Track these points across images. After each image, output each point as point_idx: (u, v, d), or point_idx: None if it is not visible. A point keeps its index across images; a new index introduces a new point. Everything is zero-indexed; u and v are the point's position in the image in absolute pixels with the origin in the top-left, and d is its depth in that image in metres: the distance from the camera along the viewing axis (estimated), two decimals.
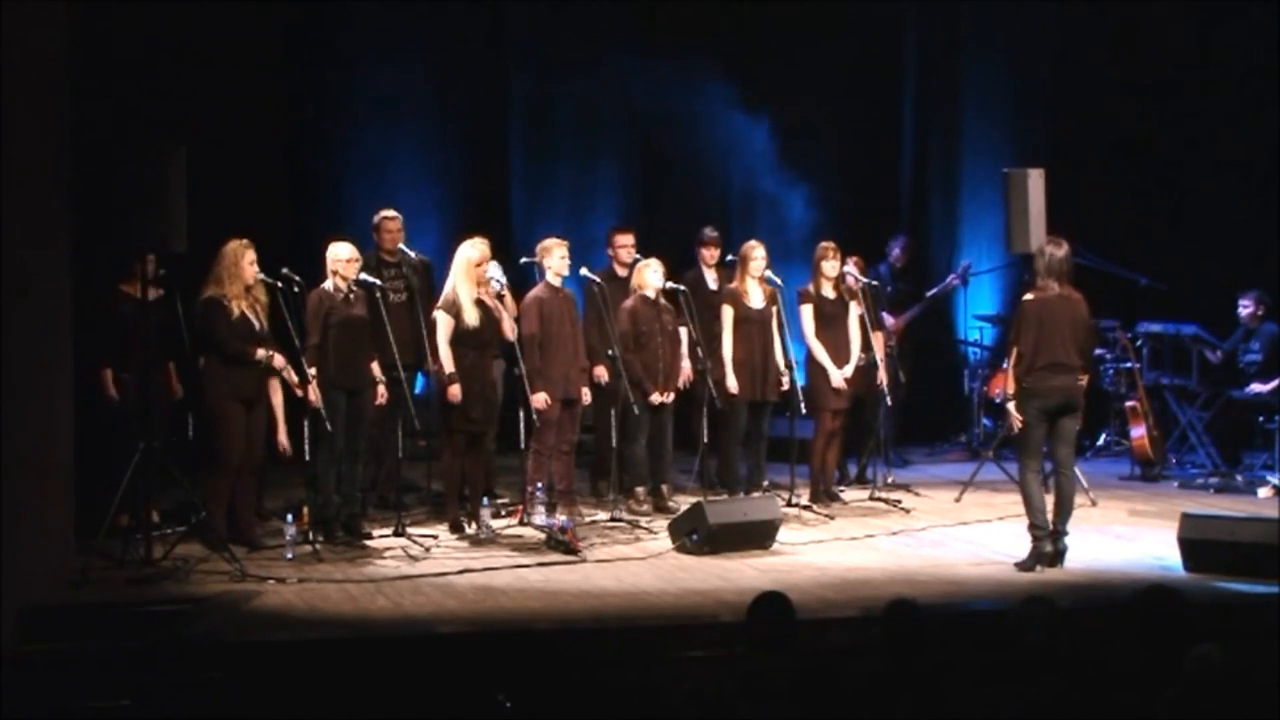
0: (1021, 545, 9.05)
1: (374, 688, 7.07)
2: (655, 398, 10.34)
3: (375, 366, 9.59)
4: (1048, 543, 8.91)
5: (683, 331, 10.67)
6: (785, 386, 10.61)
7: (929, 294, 12.90)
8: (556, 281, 10.12)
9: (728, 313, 10.63)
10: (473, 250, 9.77)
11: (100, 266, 9.36)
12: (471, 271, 9.70)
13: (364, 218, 10.66)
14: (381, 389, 9.60)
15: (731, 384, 10.52)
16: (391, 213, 10.39)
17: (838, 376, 10.63)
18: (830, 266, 10.73)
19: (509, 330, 9.84)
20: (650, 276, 10.40)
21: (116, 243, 9.09)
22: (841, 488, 11.21)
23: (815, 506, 10.60)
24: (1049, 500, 9.02)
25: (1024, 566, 8.89)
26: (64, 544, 8.46)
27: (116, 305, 9.35)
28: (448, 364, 9.61)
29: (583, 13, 13.30)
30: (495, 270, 9.98)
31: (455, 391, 9.58)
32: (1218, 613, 7.69)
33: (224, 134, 11.16)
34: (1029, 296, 9.04)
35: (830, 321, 10.75)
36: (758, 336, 10.62)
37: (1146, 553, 9.36)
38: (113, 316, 9.33)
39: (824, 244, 10.90)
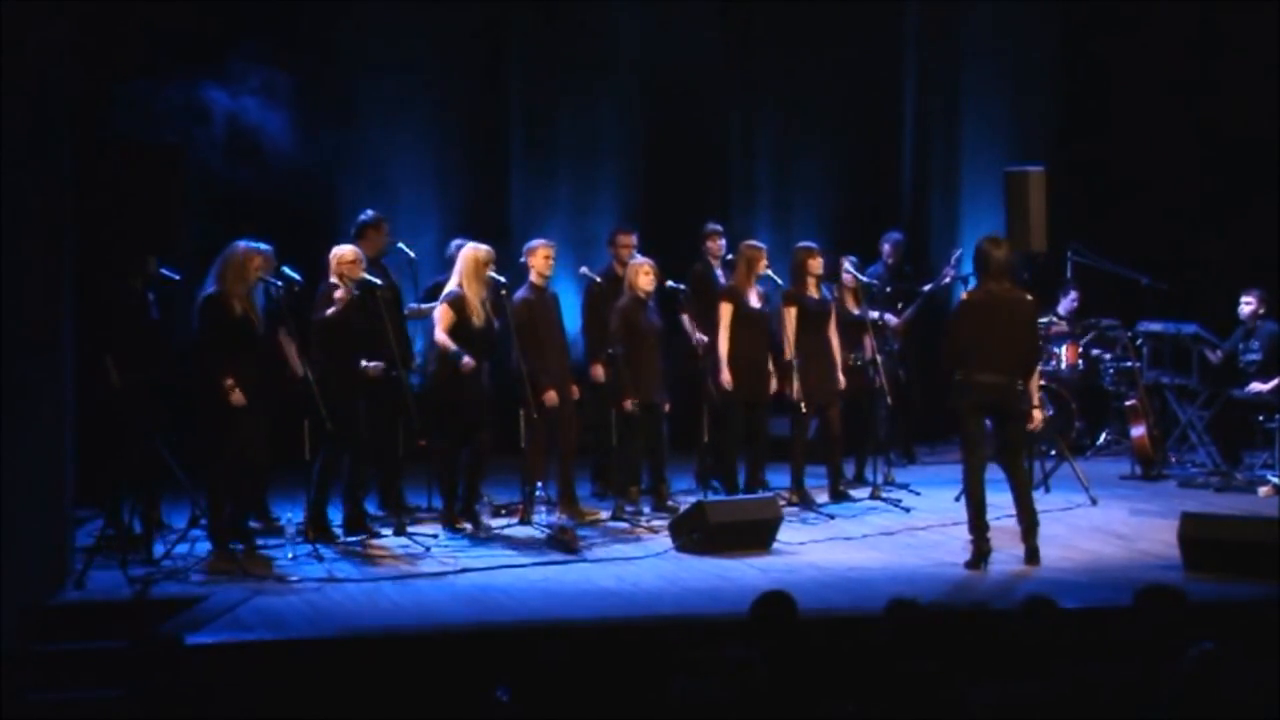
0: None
1: (374, 688, 7.07)
2: (628, 405, 10.19)
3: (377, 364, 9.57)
4: (987, 541, 8.94)
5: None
6: (775, 388, 10.60)
7: (924, 289, 12.84)
8: (540, 282, 10.12)
9: (726, 310, 10.56)
10: (482, 251, 9.76)
11: (101, 265, 9.34)
12: (481, 271, 9.68)
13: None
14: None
15: (725, 378, 10.46)
16: (381, 216, 10.36)
17: (797, 390, 10.48)
18: (815, 265, 10.67)
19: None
20: (642, 280, 10.32)
21: (117, 241, 9.07)
22: (841, 488, 11.20)
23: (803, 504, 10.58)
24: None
25: (970, 565, 8.92)
26: (64, 544, 8.45)
27: (117, 303, 9.33)
28: (452, 345, 9.53)
29: (582, 12, 13.30)
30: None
31: (469, 362, 9.52)
32: (1218, 613, 7.69)
33: (224, 134, 11.13)
34: (966, 296, 8.99)
35: (814, 323, 10.65)
36: (758, 336, 10.60)
37: (1146, 553, 9.36)
38: (114, 314, 9.31)
39: (807, 244, 10.86)
